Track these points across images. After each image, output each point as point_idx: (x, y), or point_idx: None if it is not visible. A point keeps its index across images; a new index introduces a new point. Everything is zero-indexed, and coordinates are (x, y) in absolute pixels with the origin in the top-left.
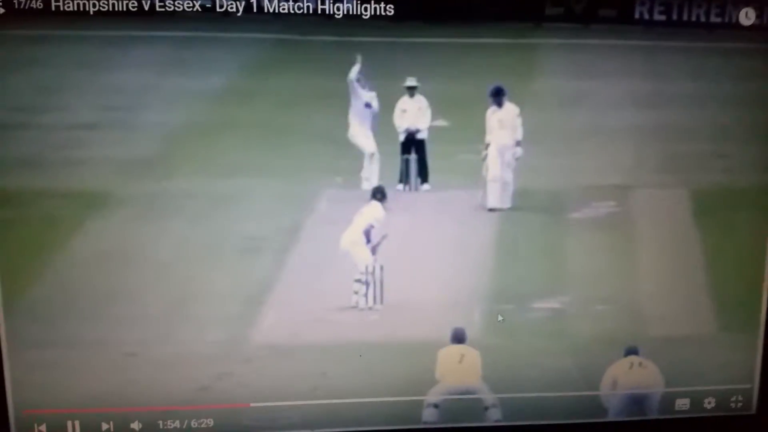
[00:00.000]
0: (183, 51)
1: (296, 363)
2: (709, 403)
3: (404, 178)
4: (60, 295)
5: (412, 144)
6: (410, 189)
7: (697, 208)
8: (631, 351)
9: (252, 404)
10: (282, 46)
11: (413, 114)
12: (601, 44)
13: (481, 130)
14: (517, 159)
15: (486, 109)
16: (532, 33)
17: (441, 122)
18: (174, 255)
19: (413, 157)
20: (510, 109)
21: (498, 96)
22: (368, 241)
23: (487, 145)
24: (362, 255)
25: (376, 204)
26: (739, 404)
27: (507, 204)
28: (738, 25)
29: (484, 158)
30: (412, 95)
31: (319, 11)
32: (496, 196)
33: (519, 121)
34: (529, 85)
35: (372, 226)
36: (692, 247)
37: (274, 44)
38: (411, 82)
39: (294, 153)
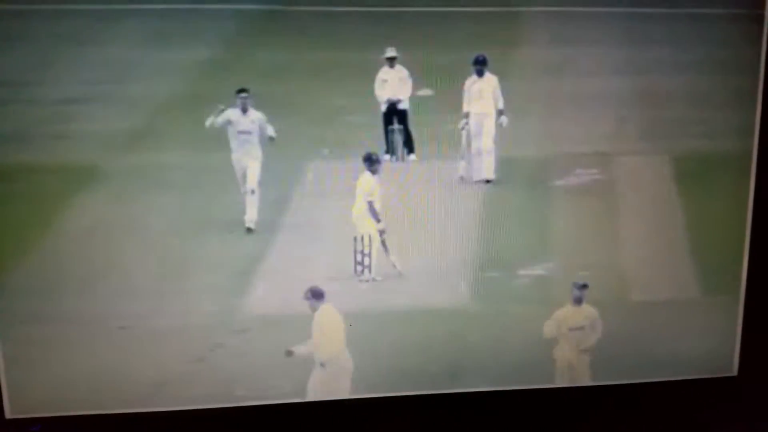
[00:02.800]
0: (167, 24)
1: (287, 333)
2: (692, 365)
3: (390, 148)
4: (50, 270)
5: (394, 114)
6: (397, 159)
7: (678, 174)
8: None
9: (245, 374)
10: (265, 18)
11: (394, 84)
12: (581, 12)
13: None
14: (503, 126)
15: (466, 78)
16: (512, 1)
17: (425, 92)
18: (163, 228)
19: (397, 127)
20: (489, 78)
21: (479, 65)
22: (377, 220)
23: (467, 115)
24: (366, 227)
25: (367, 176)
26: (721, 366)
27: (491, 175)
28: None
29: (463, 128)
30: (392, 65)
31: None
32: (481, 167)
33: (499, 91)
34: (510, 54)
35: (370, 203)
36: (674, 212)
37: (257, 15)
38: (391, 52)
39: (280, 125)
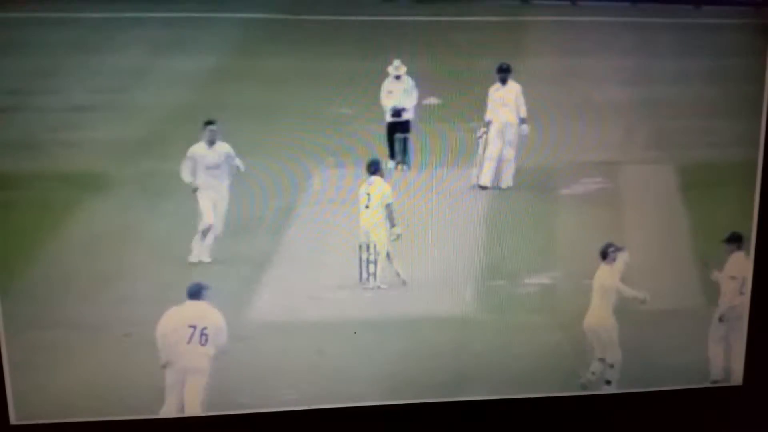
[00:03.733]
0: (175, 32)
1: (292, 341)
2: (696, 374)
3: (398, 156)
4: (56, 276)
5: (398, 126)
6: (404, 168)
7: (683, 183)
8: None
9: (249, 381)
10: (270, 26)
11: (399, 95)
12: (589, 21)
13: (471, 108)
14: (524, 136)
15: (477, 87)
16: (520, 11)
17: (432, 100)
18: (169, 235)
19: (401, 136)
20: (512, 86)
21: (503, 73)
22: (393, 224)
23: (488, 123)
24: (378, 234)
25: (378, 181)
26: (726, 376)
27: (509, 183)
28: (724, 1)
29: (481, 136)
30: (397, 77)
31: None
32: (490, 175)
33: (522, 99)
34: (518, 63)
35: (389, 206)
36: (679, 221)
37: (262, 24)
38: (399, 70)
39: (286, 133)
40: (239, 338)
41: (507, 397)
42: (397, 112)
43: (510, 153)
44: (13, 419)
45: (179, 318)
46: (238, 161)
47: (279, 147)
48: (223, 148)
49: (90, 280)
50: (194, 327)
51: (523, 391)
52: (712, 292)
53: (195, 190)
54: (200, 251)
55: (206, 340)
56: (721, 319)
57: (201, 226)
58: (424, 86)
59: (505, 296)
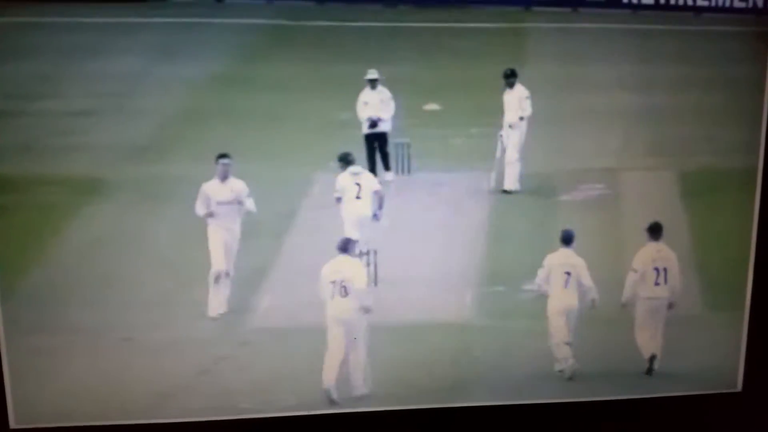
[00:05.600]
0: (177, 37)
1: (292, 346)
2: (696, 380)
3: (397, 164)
4: (56, 281)
5: (375, 138)
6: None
7: (683, 190)
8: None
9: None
10: (272, 32)
11: (375, 106)
12: (589, 28)
13: (471, 114)
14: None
15: (478, 93)
16: (521, 17)
17: (433, 106)
18: (170, 240)
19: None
20: (517, 90)
21: (508, 78)
22: (380, 207)
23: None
24: (369, 231)
25: (365, 171)
26: (725, 382)
27: (513, 186)
28: (724, 9)
29: (498, 139)
30: (374, 87)
31: None
32: (513, 178)
33: (526, 103)
34: (518, 70)
35: (377, 191)
36: (679, 228)
37: (264, 30)
38: (372, 74)
39: (287, 138)
40: (240, 343)
41: (507, 403)
42: (373, 123)
43: (512, 155)
44: (13, 423)
45: (328, 273)
46: (250, 202)
47: (279, 152)
48: (236, 184)
49: (90, 284)
50: (335, 282)
51: (522, 396)
52: (711, 298)
53: (208, 218)
54: (218, 303)
55: (346, 292)
56: (623, 307)
57: (211, 273)
58: (426, 92)
59: (504, 302)
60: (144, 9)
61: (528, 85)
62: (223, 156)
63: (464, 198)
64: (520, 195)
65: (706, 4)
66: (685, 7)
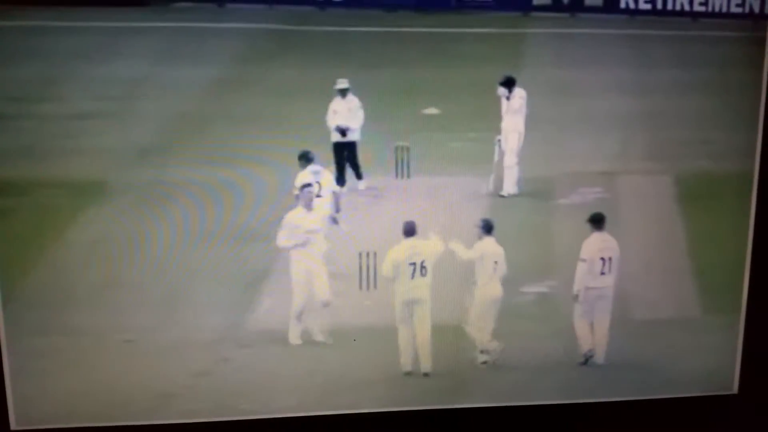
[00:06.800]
0: (178, 41)
1: (293, 348)
2: (693, 383)
3: (397, 168)
4: (58, 282)
5: (344, 147)
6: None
7: (680, 194)
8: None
9: (250, 388)
10: (274, 37)
11: (343, 115)
12: (587, 33)
13: (471, 118)
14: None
15: (476, 98)
16: (520, 22)
17: (432, 110)
18: (170, 243)
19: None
20: (516, 95)
21: (504, 85)
22: (338, 209)
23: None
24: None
25: (324, 170)
26: (721, 384)
27: (510, 190)
28: (721, 14)
29: (496, 144)
30: (343, 96)
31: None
32: (511, 181)
33: (523, 108)
34: (517, 75)
35: (336, 192)
36: (676, 231)
37: (266, 35)
38: (342, 84)
39: (287, 142)
40: (240, 345)
41: (505, 405)
42: (342, 132)
43: (510, 160)
44: (14, 424)
45: (403, 257)
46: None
47: (279, 156)
48: (324, 212)
49: (92, 286)
50: (414, 264)
51: (520, 398)
52: (707, 301)
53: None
54: (316, 332)
55: (426, 271)
56: (576, 299)
57: (294, 309)
58: (425, 96)
59: (502, 304)
60: (146, 13)
61: (526, 90)
62: (307, 185)
63: (462, 202)
64: (519, 199)
65: (703, 9)
66: (682, 12)
